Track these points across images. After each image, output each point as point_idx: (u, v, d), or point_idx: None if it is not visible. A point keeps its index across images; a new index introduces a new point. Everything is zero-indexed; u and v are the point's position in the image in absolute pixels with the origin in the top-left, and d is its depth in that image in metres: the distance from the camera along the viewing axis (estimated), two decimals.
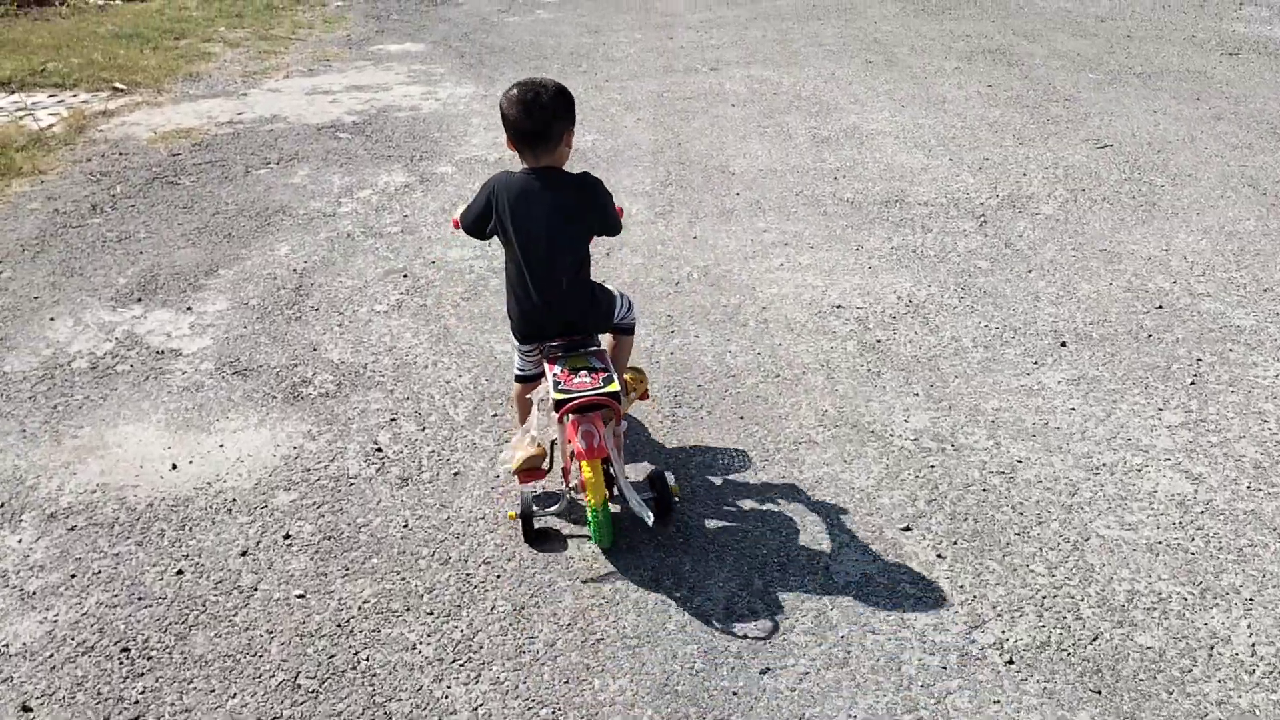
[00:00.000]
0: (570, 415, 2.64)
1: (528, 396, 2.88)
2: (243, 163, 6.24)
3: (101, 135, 6.80)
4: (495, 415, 3.50)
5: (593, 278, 2.96)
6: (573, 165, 2.92)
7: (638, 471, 3.15)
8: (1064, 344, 3.82)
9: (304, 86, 8.07)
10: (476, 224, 2.88)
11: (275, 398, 3.66)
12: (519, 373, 3.04)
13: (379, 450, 3.33)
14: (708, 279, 4.48)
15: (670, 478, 2.89)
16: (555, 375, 2.73)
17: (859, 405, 3.47)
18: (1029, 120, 6.61)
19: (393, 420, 3.49)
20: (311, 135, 6.79)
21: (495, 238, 2.90)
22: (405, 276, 4.62)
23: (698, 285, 4.42)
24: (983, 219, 5.04)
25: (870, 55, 8.62)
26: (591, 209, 2.82)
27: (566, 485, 2.92)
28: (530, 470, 2.93)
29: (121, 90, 7.89)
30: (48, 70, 8.20)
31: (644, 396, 3.30)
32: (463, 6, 11.60)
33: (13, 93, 7.78)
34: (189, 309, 4.37)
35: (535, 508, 2.84)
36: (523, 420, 3.02)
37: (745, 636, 2.51)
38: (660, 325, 4.08)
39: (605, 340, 3.04)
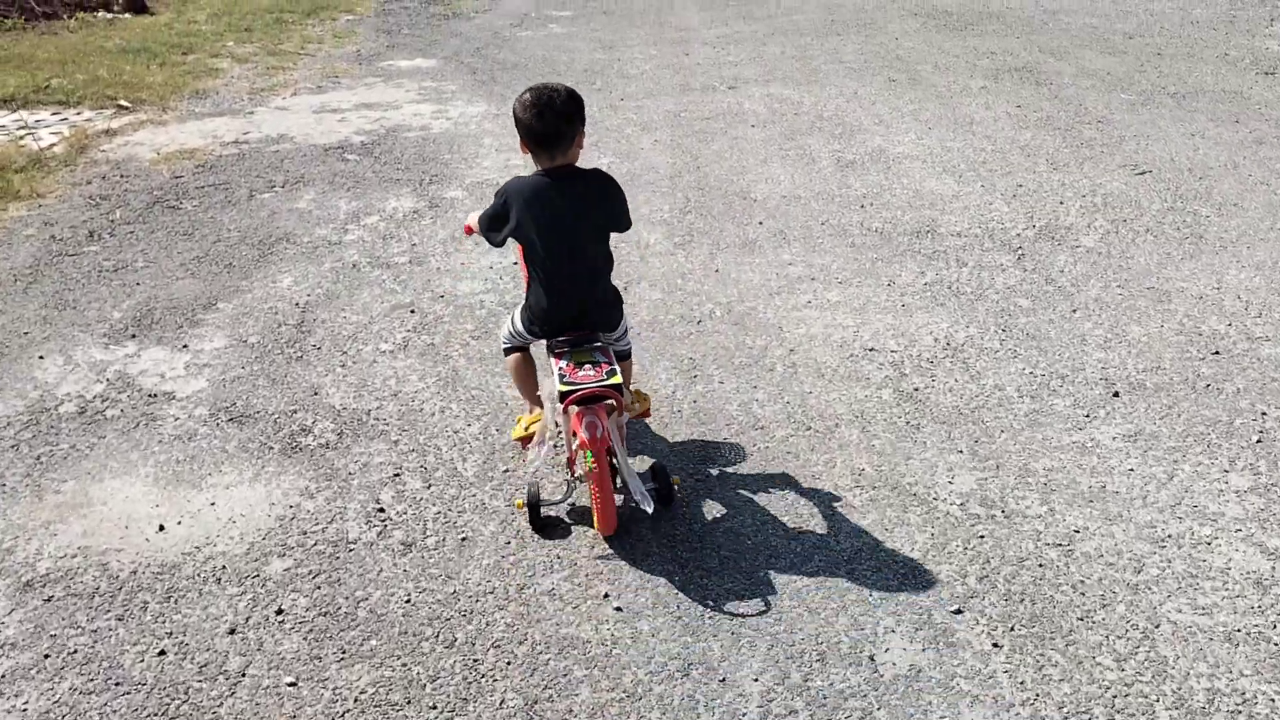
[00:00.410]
0: (575, 407, 2.74)
1: (539, 393, 3.06)
2: (247, 186, 6.01)
3: (103, 156, 6.59)
4: (506, 471, 3.25)
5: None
6: None
7: (640, 464, 3.21)
8: (1116, 394, 3.56)
9: (312, 104, 7.86)
10: (493, 229, 2.94)
11: (272, 448, 3.42)
12: (506, 345, 3.19)
13: (381, 511, 3.08)
14: (731, 317, 4.23)
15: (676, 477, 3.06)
16: (561, 369, 2.81)
17: (898, 463, 3.21)
18: (1062, 144, 6.35)
19: (396, 475, 3.25)
20: (318, 156, 6.57)
21: (510, 242, 2.98)
22: (412, 312, 4.38)
23: (720, 324, 4.17)
24: (1020, 252, 4.78)
25: (893, 73, 8.37)
26: (604, 201, 2.91)
27: (572, 475, 2.99)
28: (529, 439, 3.06)
29: (126, 108, 7.69)
30: (51, 87, 8.02)
31: (644, 415, 3.32)
32: (474, 21, 11.41)
33: (15, 110, 7.58)
34: (185, 346, 4.13)
35: (542, 499, 2.96)
36: (522, 391, 3.26)
37: None
38: (682, 369, 3.83)
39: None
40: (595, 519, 2.84)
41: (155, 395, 3.78)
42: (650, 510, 2.78)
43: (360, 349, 4.08)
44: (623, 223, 3.00)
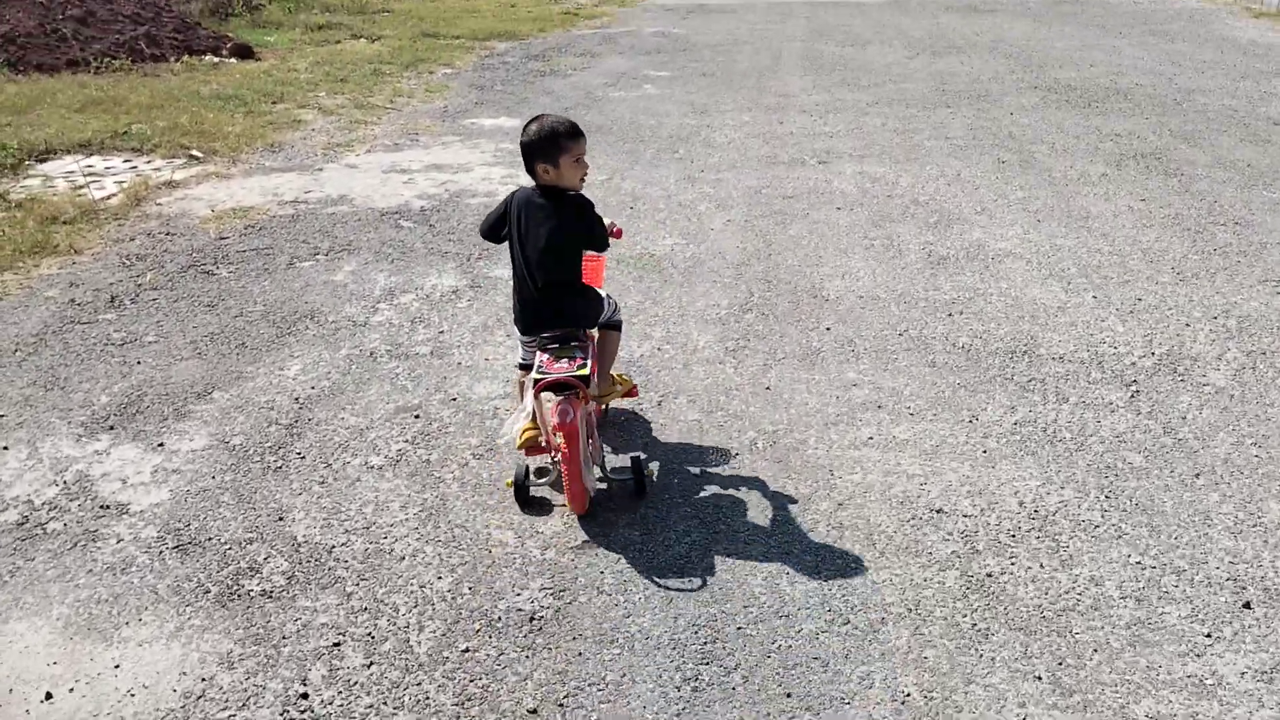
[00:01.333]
0: (555, 396, 3.07)
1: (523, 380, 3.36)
2: (290, 252, 5.62)
3: (157, 210, 6.31)
4: (466, 650, 2.64)
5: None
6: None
7: (622, 458, 3.50)
8: (1248, 605, 2.76)
9: (383, 163, 7.51)
10: (494, 228, 3.32)
11: (208, 592, 2.89)
12: (521, 361, 3.48)
13: (304, 696, 2.50)
14: (774, 451, 3.56)
15: (655, 466, 3.46)
16: (540, 362, 3.16)
17: (955, 688, 2.49)
18: (1191, 249, 5.50)
19: (336, 645, 2.67)
20: (373, 222, 6.16)
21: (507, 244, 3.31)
22: (417, 417, 3.84)
23: (760, 460, 3.50)
24: (1134, 387, 3.98)
25: (1003, 153, 7.60)
26: (578, 220, 3.22)
27: (551, 458, 3.30)
28: (535, 447, 3.23)
29: (197, 158, 7.47)
30: (130, 133, 7.86)
31: (630, 394, 3.69)
32: (569, 79, 11.03)
33: (90, 155, 7.43)
34: (161, 445, 3.67)
35: (529, 479, 3.28)
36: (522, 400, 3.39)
37: None
38: (704, 520, 3.17)
39: (595, 334, 3.45)
40: (566, 498, 3.14)
41: (108, 506, 3.30)
42: (592, 492, 3.19)
43: (347, 462, 3.54)
44: (596, 242, 3.30)
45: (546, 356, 3.16)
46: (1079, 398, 3.91)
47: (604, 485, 3.29)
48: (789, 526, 3.13)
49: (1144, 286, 5.00)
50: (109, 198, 6.49)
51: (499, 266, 5.40)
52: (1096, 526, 3.11)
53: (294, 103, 9.49)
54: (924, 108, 9.28)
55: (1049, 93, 9.84)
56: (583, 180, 3.22)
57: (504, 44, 13.54)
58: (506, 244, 3.28)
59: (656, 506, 3.24)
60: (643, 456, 3.34)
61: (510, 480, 3.25)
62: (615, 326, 3.49)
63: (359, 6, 16.11)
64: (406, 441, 3.67)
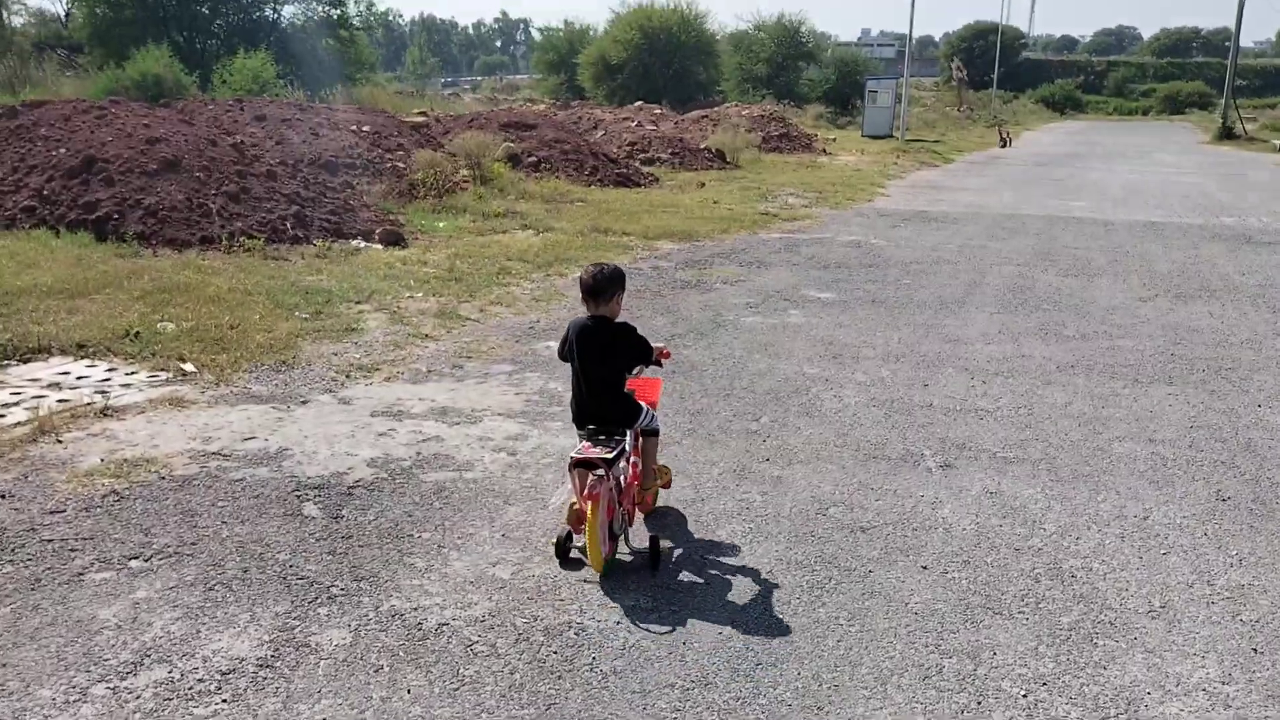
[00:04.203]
0: (581, 470, 3.75)
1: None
2: (101, 550, 3.95)
3: (41, 452, 4.89)
4: None
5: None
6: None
7: (640, 538, 3.99)
8: None
9: (385, 399, 5.84)
10: (561, 350, 4.06)
11: None
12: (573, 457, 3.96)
13: None
14: None
15: (667, 544, 4.00)
16: (580, 447, 3.82)
17: None
18: None
19: None
20: (272, 503, 4.41)
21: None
22: None
23: None
24: None
25: (1228, 482, 4.84)
26: (618, 345, 3.95)
27: (581, 525, 3.78)
28: (578, 520, 3.81)
29: (187, 374, 6.12)
30: (141, 334, 6.68)
31: (666, 485, 4.36)
32: (710, 294, 9.13)
33: (78, 359, 6.29)
34: None
35: (570, 541, 3.86)
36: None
37: None
38: None
39: (640, 441, 4.13)
40: (588, 557, 3.71)
41: None
42: (607, 557, 3.76)
43: None
44: (642, 356, 4.02)
45: (587, 443, 3.84)
46: None
47: (628, 558, 3.87)
48: None
49: None
50: (22, 422, 5.17)
51: (334, 627, 3.43)
52: None
53: (376, 304, 8.17)
54: (1135, 380, 6.56)
55: None
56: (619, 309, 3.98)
57: (672, 245, 11.92)
58: (563, 351, 4.04)
59: None
60: (663, 542, 3.92)
61: (554, 540, 3.86)
62: (653, 433, 4.11)
63: (554, 194, 15.20)
64: None
